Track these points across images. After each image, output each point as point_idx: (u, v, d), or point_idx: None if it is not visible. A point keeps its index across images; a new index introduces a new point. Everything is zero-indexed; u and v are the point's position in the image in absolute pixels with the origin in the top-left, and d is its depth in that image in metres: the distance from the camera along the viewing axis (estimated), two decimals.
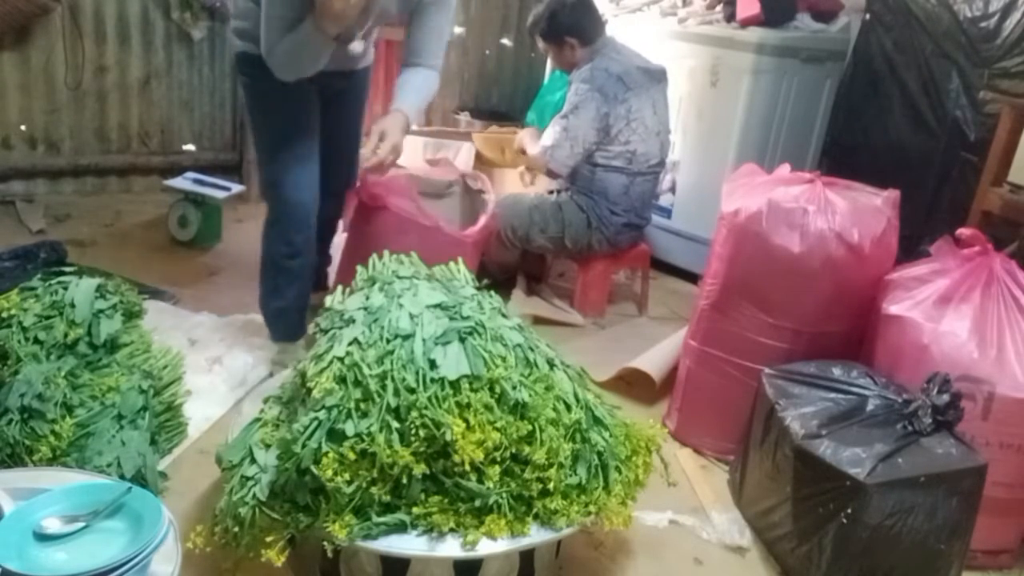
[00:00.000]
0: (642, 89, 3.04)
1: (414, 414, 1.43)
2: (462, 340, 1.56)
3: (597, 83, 2.97)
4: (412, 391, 1.46)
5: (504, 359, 1.56)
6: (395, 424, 1.44)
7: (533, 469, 1.49)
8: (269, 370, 2.46)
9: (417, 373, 1.48)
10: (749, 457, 2.09)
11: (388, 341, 1.54)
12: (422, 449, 1.44)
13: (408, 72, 2.37)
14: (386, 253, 1.90)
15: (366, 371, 1.48)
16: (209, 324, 2.77)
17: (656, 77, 3.12)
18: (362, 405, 1.46)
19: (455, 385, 1.48)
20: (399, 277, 1.75)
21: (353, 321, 1.62)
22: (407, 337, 1.55)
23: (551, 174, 3.13)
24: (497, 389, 1.50)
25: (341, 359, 1.53)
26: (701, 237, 3.37)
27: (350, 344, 1.55)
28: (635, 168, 3.07)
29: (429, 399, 1.45)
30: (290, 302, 2.48)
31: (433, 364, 1.50)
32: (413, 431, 1.42)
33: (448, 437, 1.41)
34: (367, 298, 1.69)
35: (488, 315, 1.68)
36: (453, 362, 1.51)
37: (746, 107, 3.35)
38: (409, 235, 2.45)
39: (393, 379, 1.47)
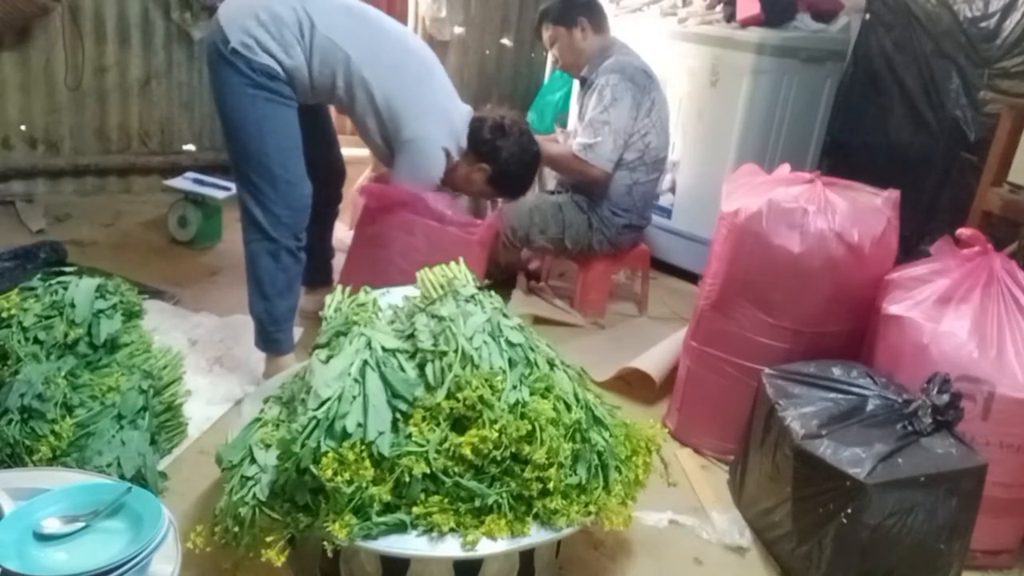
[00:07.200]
0: (657, 84, 3.09)
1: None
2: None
3: (628, 73, 2.99)
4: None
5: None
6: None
7: (533, 469, 1.49)
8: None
9: None
10: (749, 457, 2.09)
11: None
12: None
13: None
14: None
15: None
16: (209, 324, 2.77)
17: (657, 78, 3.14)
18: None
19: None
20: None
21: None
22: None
23: (582, 177, 3.06)
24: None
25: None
26: (701, 237, 3.37)
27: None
28: (647, 159, 3.07)
29: None
30: (296, 299, 2.47)
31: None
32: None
33: None
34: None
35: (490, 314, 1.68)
36: None
37: (746, 107, 3.35)
38: (415, 234, 2.45)
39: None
